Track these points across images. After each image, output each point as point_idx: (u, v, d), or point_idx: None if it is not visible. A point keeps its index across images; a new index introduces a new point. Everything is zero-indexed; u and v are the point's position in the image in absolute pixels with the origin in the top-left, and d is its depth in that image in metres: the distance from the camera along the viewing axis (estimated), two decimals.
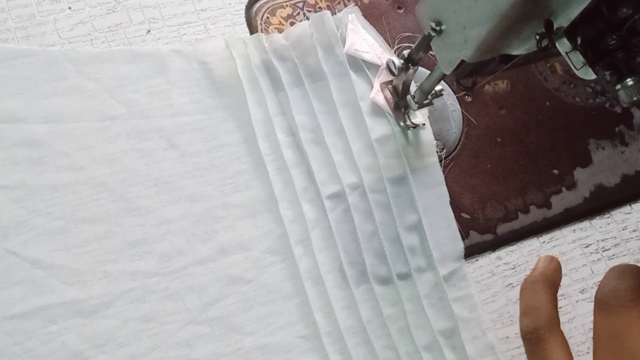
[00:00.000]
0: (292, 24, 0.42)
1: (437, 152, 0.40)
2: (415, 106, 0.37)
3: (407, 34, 0.43)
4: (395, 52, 0.41)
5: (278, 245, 0.38)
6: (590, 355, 0.40)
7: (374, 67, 0.39)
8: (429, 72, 0.35)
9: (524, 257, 0.42)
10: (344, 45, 0.39)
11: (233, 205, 0.38)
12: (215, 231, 0.37)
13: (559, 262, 0.29)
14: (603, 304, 0.25)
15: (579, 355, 0.40)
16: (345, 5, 0.43)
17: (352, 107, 0.39)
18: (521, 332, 0.28)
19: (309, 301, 0.37)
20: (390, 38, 0.42)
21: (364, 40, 0.39)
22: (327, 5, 0.43)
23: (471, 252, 0.40)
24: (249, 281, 0.37)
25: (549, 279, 0.29)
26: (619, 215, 0.44)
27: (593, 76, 0.25)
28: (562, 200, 0.43)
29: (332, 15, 0.40)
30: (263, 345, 0.36)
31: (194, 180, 0.38)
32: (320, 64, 0.39)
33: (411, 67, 0.35)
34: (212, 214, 0.37)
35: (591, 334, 0.41)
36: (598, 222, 0.44)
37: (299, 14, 0.42)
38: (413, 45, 0.34)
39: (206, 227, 0.37)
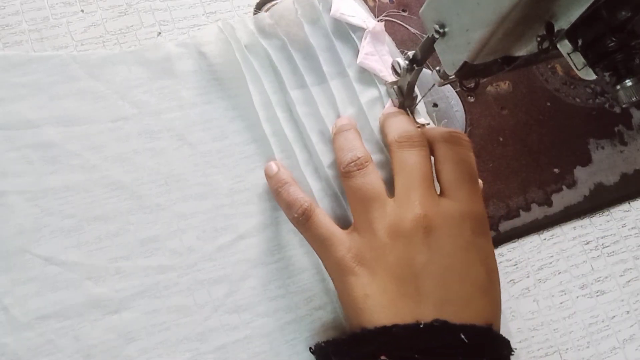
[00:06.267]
0: None
1: None
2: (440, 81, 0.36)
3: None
4: (402, 54, 0.42)
5: (288, 234, 0.39)
6: (590, 351, 0.41)
7: (359, 30, 0.40)
8: (431, 72, 0.36)
9: (526, 254, 0.43)
10: (329, 12, 0.40)
11: (242, 202, 0.39)
12: (224, 228, 0.38)
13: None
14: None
15: (579, 350, 0.41)
16: None
17: (341, 76, 0.40)
18: (344, 165, 0.36)
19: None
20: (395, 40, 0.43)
21: (349, 6, 0.40)
22: None
23: None
24: (258, 275, 0.38)
25: (355, 125, 0.38)
26: (618, 213, 0.45)
27: (593, 76, 0.26)
28: (562, 199, 0.44)
29: None
30: (272, 339, 0.37)
31: (203, 179, 0.39)
32: (308, 38, 0.40)
33: (416, 67, 0.36)
34: (222, 212, 0.38)
35: (591, 329, 0.42)
36: (598, 219, 0.45)
37: None
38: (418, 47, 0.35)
39: (216, 224, 0.38)
